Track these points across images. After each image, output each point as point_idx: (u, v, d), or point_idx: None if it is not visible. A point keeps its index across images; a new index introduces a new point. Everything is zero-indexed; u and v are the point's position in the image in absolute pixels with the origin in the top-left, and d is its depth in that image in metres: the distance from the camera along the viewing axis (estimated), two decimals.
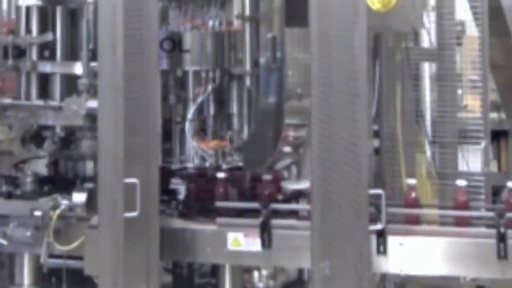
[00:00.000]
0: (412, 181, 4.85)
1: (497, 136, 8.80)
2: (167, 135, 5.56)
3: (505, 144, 9.15)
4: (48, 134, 5.34)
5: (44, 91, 5.42)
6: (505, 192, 4.78)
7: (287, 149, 5.57)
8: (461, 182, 4.78)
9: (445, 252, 4.68)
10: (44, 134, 5.36)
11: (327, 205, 4.61)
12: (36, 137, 5.39)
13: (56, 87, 5.39)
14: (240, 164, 5.45)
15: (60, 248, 5.00)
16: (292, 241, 4.85)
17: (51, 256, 5.07)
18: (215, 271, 5.29)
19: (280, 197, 5.03)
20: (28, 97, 5.43)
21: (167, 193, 5.22)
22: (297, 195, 5.08)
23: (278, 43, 5.39)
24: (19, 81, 5.49)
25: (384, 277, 5.21)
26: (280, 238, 4.85)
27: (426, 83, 5.47)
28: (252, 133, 5.55)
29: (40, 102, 5.33)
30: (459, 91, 5.34)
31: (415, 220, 4.78)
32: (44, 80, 5.43)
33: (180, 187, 5.30)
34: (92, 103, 4.94)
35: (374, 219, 4.61)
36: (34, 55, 5.41)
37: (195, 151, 5.50)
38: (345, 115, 4.46)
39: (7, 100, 5.36)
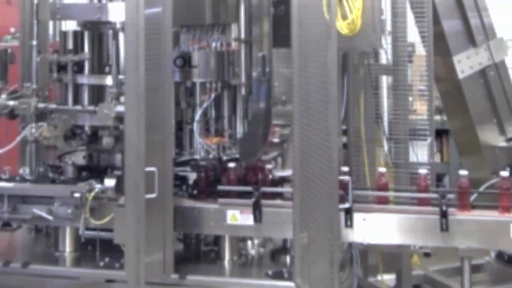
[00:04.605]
0: (382, 169, 4.84)
1: (440, 134, 8.80)
2: (179, 133, 5.56)
3: (446, 140, 9.14)
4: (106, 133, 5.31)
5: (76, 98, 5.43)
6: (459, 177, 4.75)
7: (275, 140, 5.57)
8: (423, 171, 4.78)
9: (399, 226, 4.69)
10: (101, 134, 5.32)
11: (305, 189, 4.61)
12: (94, 135, 5.37)
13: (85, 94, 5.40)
14: (237, 156, 5.45)
15: (94, 222, 5.01)
16: (278, 217, 4.86)
17: (87, 229, 5.07)
18: (217, 240, 5.29)
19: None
20: (76, 103, 5.42)
21: (179, 179, 5.22)
22: (282, 181, 5.08)
23: (267, 60, 5.39)
24: (63, 90, 5.49)
25: (350, 245, 5.21)
26: (268, 215, 4.85)
27: (384, 92, 5.43)
28: (246, 132, 5.56)
29: (79, 107, 5.32)
30: (410, 98, 5.32)
31: (385, 201, 4.78)
32: (76, 89, 5.43)
33: (189, 174, 5.30)
34: (120, 108, 4.94)
35: (342, 200, 4.61)
36: (86, 69, 5.40)
37: (201, 145, 5.51)
38: (319, 117, 4.45)
39: (53, 105, 5.36)
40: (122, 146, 4.93)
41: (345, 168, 4.83)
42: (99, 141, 5.33)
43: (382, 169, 4.85)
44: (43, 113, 5.31)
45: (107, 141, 5.22)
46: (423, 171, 4.77)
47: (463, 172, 4.72)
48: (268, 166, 5.07)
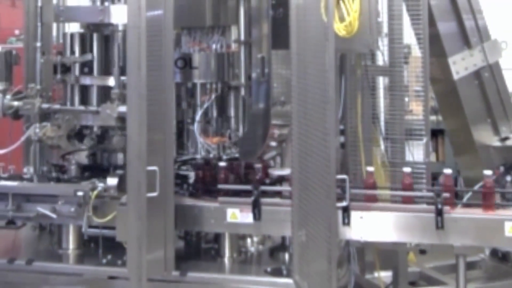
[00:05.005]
0: (408, 169, 4.80)
1: (435, 134, 8.81)
2: (180, 133, 5.56)
3: (442, 140, 9.15)
4: (88, 132, 5.34)
5: (84, 99, 5.43)
6: (441, 177, 4.76)
7: (273, 144, 5.56)
8: (448, 170, 4.73)
9: (395, 223, 4.69)
10: (85, 132, 5.35)
11: (304, 187, 4.61)
12: (78, 134, 5.39)
13: (93, 95, 5.40)
14: (237, 155, 5.45)
15: (97, 220, 5.00)
16: (277, 215, 4.85)
17: (90, 226, 5.06)
18: (217, 238, 5.28)
19: (267, 181, 5.02)
20: (72, 103, 5.43)
21: (180, 178, 5.21)
22: (280, 180, 5.07)
23: (266, 62, 5.38)
24: (65, 91, 5.49)
25: (348, 242, 5.20)
26: (267, 213, 4.85)
27: (381, 93, 5.42)
28: (246, 131, 5.56)
29: (82, 107, 5.33)
30: (406, 99, 5.31)
31: (411, 201, 4.75)
32: (84, 90, 5.43)
33: (190, 173, 5.30)
34: (122, 108, 4.93)
35: (340, 198, 4.60)
36: (77, 71, 5.41)
37: (202, 145, 5.51)
38: (317, 117, 4.45)
39: (56, 106, 5.36)
40: (106, 146, 4.95)
41: (343, 168, 4.82)
42: (106, 140, 5.34)
43: (407, 169, 4.81)
44: (47, 113, 5.33)
45: (87, 140, 5.24)
46: (448, 170, 4.73)
47: (488, 172, 4.70)
48: (267, 165, 5.06)
